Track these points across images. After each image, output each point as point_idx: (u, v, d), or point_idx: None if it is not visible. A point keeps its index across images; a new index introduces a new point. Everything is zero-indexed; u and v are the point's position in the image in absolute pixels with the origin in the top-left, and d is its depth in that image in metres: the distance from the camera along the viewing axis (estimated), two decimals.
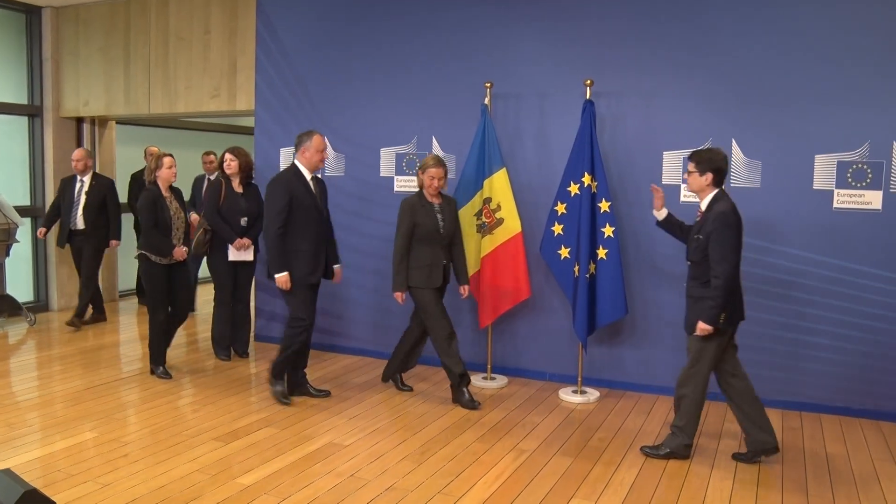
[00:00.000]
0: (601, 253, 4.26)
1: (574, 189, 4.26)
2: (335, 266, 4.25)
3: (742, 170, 4.21)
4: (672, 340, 4.42)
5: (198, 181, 6.33)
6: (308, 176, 4.04)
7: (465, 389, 4.14)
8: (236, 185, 4.84)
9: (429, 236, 4.07)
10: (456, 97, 4.87)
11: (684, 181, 3.71)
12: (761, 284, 4.18)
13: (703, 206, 3.32)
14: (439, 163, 4.08)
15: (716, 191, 3.31)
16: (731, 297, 3.22)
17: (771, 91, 4.14)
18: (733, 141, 4.22)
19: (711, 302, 3.19)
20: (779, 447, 3.42)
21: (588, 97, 4.26)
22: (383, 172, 5.15)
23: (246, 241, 4.81)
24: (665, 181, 4.36)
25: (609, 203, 4.22)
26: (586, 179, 4.19)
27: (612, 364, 4.60)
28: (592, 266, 4.27)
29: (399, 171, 5.11)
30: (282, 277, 3.96)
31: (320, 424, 3.82)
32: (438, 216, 4.10)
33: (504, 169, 4.47)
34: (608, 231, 4.23)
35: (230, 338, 5.06)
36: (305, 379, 4.28)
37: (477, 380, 4.66)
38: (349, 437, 3.67)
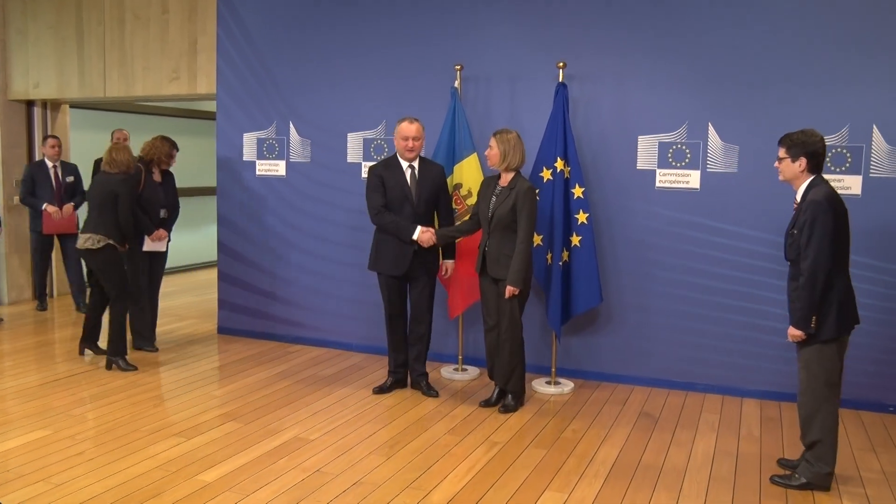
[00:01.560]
0: (574, 240, 4.31)
1: (546, 174, 4.29)
2: (447, 261, 4.34)
3: (719, 154, 4.28)
4: (647, 329, 4.51)
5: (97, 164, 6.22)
6: (404, 164, 4.14)
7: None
8: (156, 175, 4.94)
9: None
10: (425, 80, 4.88)
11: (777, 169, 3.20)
12: (749, 273, 4.28)
13: (799, 195, 3.01)
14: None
15: (811, 177, 2.99)
16: (835, 297, 2.90)
17: (748, 73, 4.21)
18: (710, 125, 4.28)
19: (799, 303, 2.90)
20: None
21: (561, 80, 4.30)
22: (351, 158, 5.15)
23: (163, 232, 4.92)
24: (640, 166, 4.42)
25: (583, 189, 4.26)
26: (559, 164, 4.23)
27: (587, 354, 4.67)
28: (566, 254, 4.32)
29: (367, 157, 5.10)
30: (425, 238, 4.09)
31: (285, 419, 3.83)
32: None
33: (475, 154, 4.50)
34: (582, 217, 4.27)
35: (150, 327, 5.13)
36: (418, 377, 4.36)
37: (448, 371, 4.71)
38: (315, 431, 3.68)
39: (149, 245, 4.90)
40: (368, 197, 4.16)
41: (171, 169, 5.07)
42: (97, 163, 6.46)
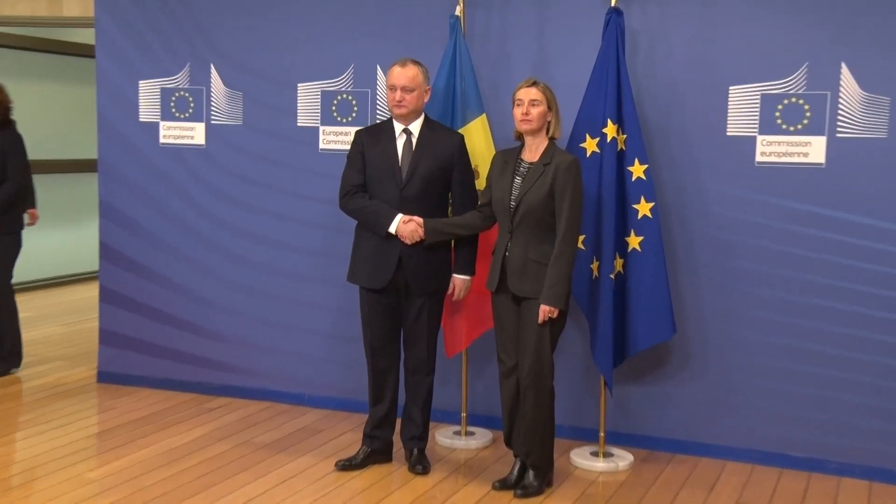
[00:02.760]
0: (633, 241, 4.58)
1: (590, 146, 4.57)
2: (458, 276, 4.57)
3: (857, 111, 4.50)
4: (744, 375, 4.74)
5: None
6: (398, 128, 4.48)
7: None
8: None
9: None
10: (412, 6, 5.15)
11: None
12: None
13: None
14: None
15: None
16: None
17: None
18: (842, 66, 4.50)
19: None
20: None
21: (614, 3, 4.55)
22: (302, 121, 5.45)
23: None
24: (732, 131, 4.68)
25: (646, 166, 4.52)
26: (610, 130, 4.50)
27: (653, 412, 4.92)
28: (620, 262, 4.59)
29: (327, 120, 5.38)
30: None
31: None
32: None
33: (483, 116, 4.78)
34: (644, 208, 4.55)
35: None
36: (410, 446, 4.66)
37: (446, 436, 4.98)
38: None
39: None
40: (343, 174, 4.52)
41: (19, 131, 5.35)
42: None
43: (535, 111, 4.15)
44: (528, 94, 4.16)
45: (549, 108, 4.18)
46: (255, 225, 5.58)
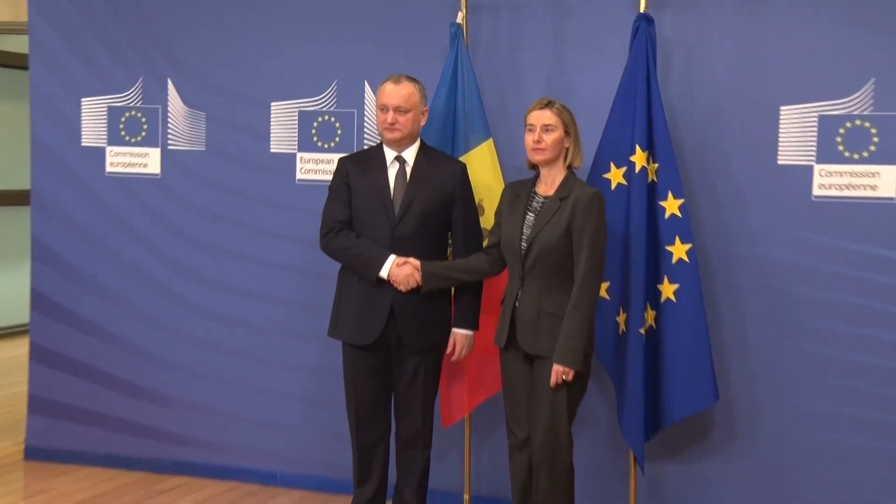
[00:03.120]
0: (667, 290, 4.64)
1: (616, 176, 4.66)
2: (458, 331, 4.63)
3: None
4: (803, 453, 4.76)
5: None
6: (390, 155, 4.57)
7: None
8: None
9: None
10: (406, 12, 5.25)
11: None
12: None
13: None
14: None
15: None
16: None
17: None
18: None
19: None
20: None
21: (643, 8, 4.64)
22: (277, 147, 5.52)
23: None
24: (784, 159, 4.74)
25: (681, 201, 4.59)
26: (639, 159, 4.57)
27: (692, 495, 4.94)
28: (651, 315, 4.66)
29: (305, 145, 5.47)
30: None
31: None
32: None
33: (490, 141, 4.87)
34: (679, 251, 4.60)
35: None
36: None
37: None
38: None
39: None
40: (324, 208, 4.58)
41: None
42: None
43: (549, 138, 4.20)
44: (541, 117, 4.21)
45: (567, 133, 4.23)
46: (219, 269, 5.63)
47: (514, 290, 4.29)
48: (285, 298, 5.51)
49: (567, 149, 4.24)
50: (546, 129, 4.19)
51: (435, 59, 5.05)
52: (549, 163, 4.24)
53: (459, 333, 4.58)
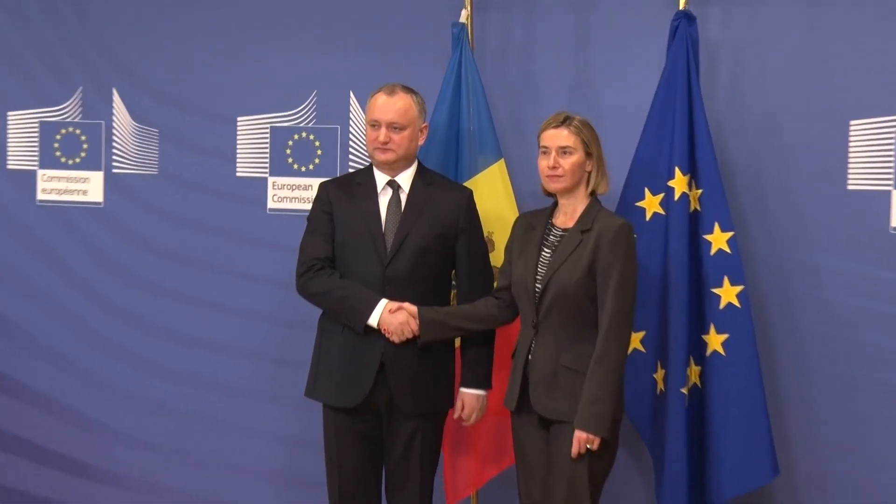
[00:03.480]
0: (713, 342, 4.64)
1: (652, 205, 4.69)
2: (466, 391, 4.62)
3: None
4: None
5: None
6: (381, 180, 4.58)
7: None
8: None
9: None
10: (400, 12, 5.30)
11: None
12: None
13: None
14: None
15: None
16: None
17: None
18: None
19: None
20: None
21: (682, 5, 4.69)
22: (244, 170, 5.56)
23: None
24: (854, 184, 4.76)
25: (730, 234, 4.60)
26: (679, 184, 4.61)
27: None
28: (696, 370, 4.67)
29: (279, 168, 5.50)
30: None
31: None
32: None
33: (501, 162, 4.91)
34: (729, 294, 4.60)
35: None
36: None
37: None
38: None
39: None
40: (302, 243, 4.59)
41: None
42: None
43: (566, 162, 4.20)
44: (557, 138, 4.22)
45: (589, 153, 4.24)
46: (174, 317, 5.65)
47: (527, 341, 4.28)
48: (253, 351, 5.52)
49: (589, 173, 4.25)
50: (563, 151, 4.20)
51: (435, 65, 5.09)
52: (569, 191, 4.26)
53: (469, 394, 4.56)
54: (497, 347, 4.62)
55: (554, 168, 4.19)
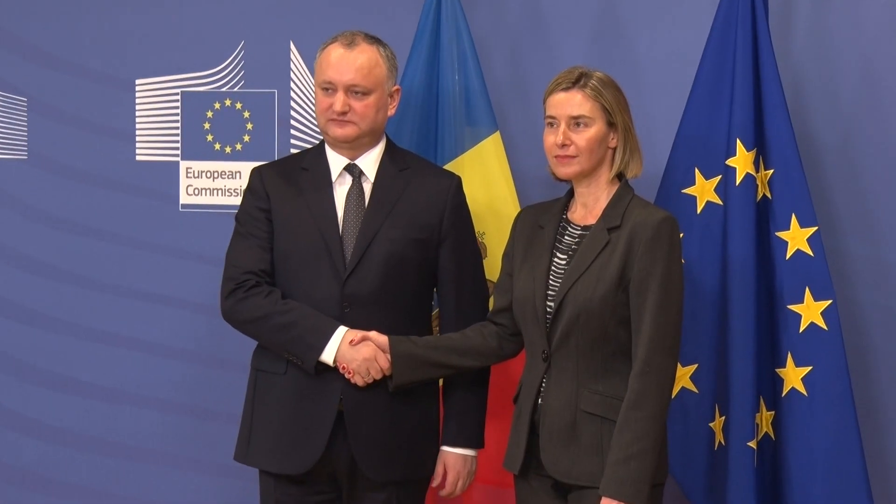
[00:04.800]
0: (793, 377, 4.73)
1: (705, 191, 4.79)
2: (450, 451, 4.66)
3: None
4: None
5: None
6: (336, 163, 4.61)
7: None
8: None
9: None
10: None
11: None
12: None
13: None
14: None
15: None
16: None
17: None
18: None
19: None
20: None
21: None
22: (145, 152, 5.68)
23: None
24: None
25: (813, 229, 4.69)
26: (741, 162, 4.70)
27: None
28: (768, 416, 4.77)
29: (194, 149, 5.63)
30: None
31: None
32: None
33: (496, 136, 5.00)
34: (812, 312, 4.69)
35: None
36: None
37: None
38: None
39: None
40: (229, 251, 4.61)
41: None
42: None
43: (581, 138, 4.19)
44: (568, 104, 4.21)
45: (612, 123, 4.24)
46: (52, 354, 5.75)
47: (536, 380, 4.27)
48: (163, 400, 5.61)
49: (613, 150, 4.27)
50: (576, 123, 4.19)
51: (407, 6, 5.21)
52: (586, 175, 4.26)
53: (453, 455, 4.59)
54: (493, 389, 4.65)
55: (564, 146, 4.16)
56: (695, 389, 4.75)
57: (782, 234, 4.71)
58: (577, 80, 4.17)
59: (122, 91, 5.64)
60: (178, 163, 5.61)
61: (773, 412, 4.76)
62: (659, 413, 4.07)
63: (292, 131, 5.49)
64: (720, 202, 4.75)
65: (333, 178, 4.55)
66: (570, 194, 4.37)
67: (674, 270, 4.13)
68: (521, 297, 4.30)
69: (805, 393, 4.69)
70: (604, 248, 4.14)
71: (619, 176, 4.27)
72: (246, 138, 5.53)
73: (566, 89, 4.19)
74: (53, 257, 5.69)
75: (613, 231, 4.15)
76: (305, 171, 4.60)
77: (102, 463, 5.68)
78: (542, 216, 4.40)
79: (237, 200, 4.73)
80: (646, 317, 4.05)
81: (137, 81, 5.60)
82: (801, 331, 4.70)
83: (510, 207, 4.87)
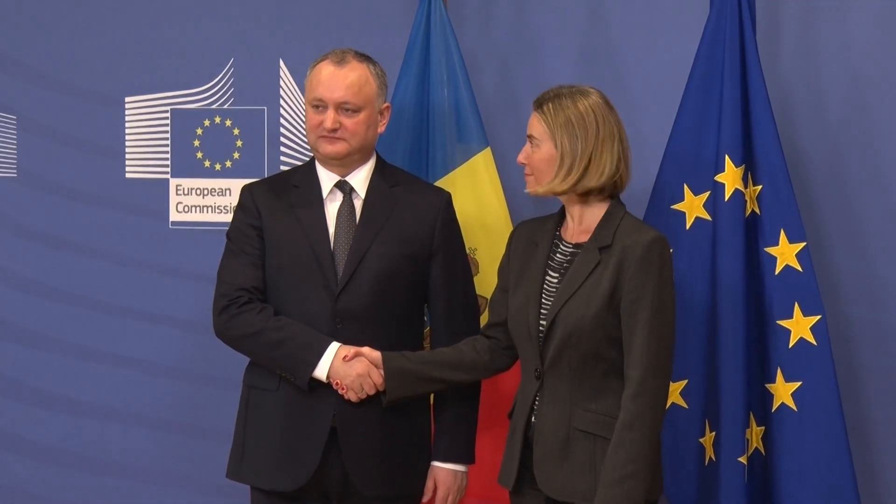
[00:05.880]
0: (783, 392, 4.75)
1: (693, 207, 4.82)
2: (440, 466, 4.67)
3: None
4: None
5: None
6: (327, 180, 4.63)
7: None
8: None
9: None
10: None
11: None
12: None
13: None
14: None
15: None
16: None
17: None
18: None
19: None
20: None
21: None
22: (135, 170, 5.70)
23: None
24: None
25: (801, 245, 4.71)
26: (730, 178, 4.72)
27: None
28: (758, 433, 4.79)
29: (184, 167, 5.65)
30: None
31: None
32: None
33: (487, 152, 5.03)
34: (801, 328, 4.71)
35: None
36: None
37: None
38: None
39: None
40: (221, 269, 4.63)
41: None
42: None
43: (536, 156, 4.25)
44: (530, 124, 4.29)
45: (568, 146, 4.16)
46: (42, 372, 5.76)
47: (530, 397, 4.27)
48: (156, 418, 5.62)
49: (576, 170, 4.16)
50: (532, 142, 4.28)
51: (397, 25, 5.23)
52: (550, 190, 4.21)
53: (443, 470, 4.60)
54: (486, 403, 4.68)
55: (531, 163, 4.27)
56: (685, 405, 4.77)
57: (771, 250, 4.74)
58: (543, 101, 4.24)
59: (111, 108, 5.65)
60: (167, 180, 5.62)
61: (763, 427, 4.78)
62: (653, 433, 4.07)
63: (282, 148, 5.50)
64: (709, 218, 4.77)
65: (324, 194, 4.57)
66: (562, 211, 4.36)
67: (665, 290, 4.12)
68: (515, 315, 4.30)
69: (795, 408, 4.72)
70: (595, 268, 4.13)
71: (611, 196, 4.24)
72: (236, 155, 5.55)
73: (534, 110, 4.26)
74: (43, 275, 5.70)
75: (605, 250, 4.14)
76: (296, 188, 4.61)
77: (93, 481, 5.68)
78: (536, 232, 4.40)
79: (227, 217, 4.80)
80: (637, 337, 4.05)
81: (127, 99, 5.61)
82: (790, 346, 4.72)
83: (502, 223, 4.89)
